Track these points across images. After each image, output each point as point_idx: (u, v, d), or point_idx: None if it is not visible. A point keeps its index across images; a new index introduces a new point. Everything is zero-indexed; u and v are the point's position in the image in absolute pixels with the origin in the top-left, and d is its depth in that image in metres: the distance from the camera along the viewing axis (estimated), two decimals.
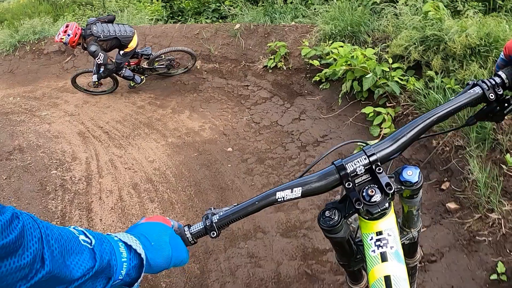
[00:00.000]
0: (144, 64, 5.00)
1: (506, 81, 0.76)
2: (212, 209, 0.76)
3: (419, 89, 2.99)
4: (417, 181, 0.70)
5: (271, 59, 4.59)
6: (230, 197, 2.92)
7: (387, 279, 0.62)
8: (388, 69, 3.27)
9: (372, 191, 0.67)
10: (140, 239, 0.67)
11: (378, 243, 0.66)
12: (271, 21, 5.20)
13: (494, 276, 1.86)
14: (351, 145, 2.96)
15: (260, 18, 5.36)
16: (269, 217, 2.60)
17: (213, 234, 0.73)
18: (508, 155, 2.21)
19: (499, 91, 0.75)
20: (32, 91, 5.61)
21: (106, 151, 3.77)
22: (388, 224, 0.67)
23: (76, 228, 0.58)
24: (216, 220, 0.73)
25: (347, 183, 0.69)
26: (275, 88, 4.40)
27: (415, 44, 3.22)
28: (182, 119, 4.23)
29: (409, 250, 0.99)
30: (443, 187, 2.49)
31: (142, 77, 5.02)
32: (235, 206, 0.74)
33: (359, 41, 3.93)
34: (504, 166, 2.21)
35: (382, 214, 0.67)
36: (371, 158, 0.68)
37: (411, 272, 1.07)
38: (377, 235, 0.67)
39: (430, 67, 3.09)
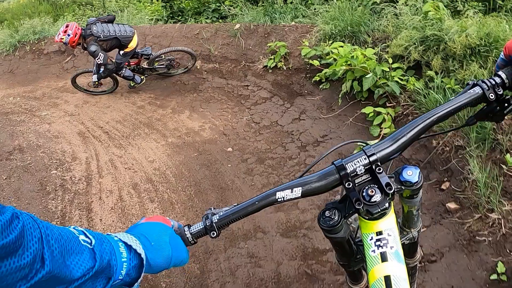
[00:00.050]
0: (144, 64, 5.00)
1: (506, 81, 0.76)
2: (212, 209, 0.76)
3: (419, 89, 2.99)
4: (417, 181, 0.70)
5: (271, 59, 4.59)
6: (230, 197, 2.92)
7: (387, 279, 0.62)
8: (388, 69, 3.27)
9: (372, 191, 0.67)
10: (140, 239, 0.67)
11: (378, 243, 0.66)
12: (271, 21, 5.20)
13: (494, 276, 1.86)
14: (351, 145, 2.96)
15: (260, 18, 5.36)
16: (269, 217, 2.60)
17: (213, 234, 0.73)
18: (508, 155, 2.21)
19: (499, 91, 0.75)
20: (32, 91, 5.61)
21: (106, 151, 3.77)
22: (388, 224, 0.67)
23: (76, 228, 0.58)
24: (216, 220, 0.73)
25: (347, 183, 0.69)
26: (275, 88, 4.40)
27: (415, 44, 3.22)
28: (182, 119, 4.23)
29: (409, 250, 0.99)
30: (443, 187, 2.49)
31: (142, 77, 5.02)
32: (235, 206, 0.74)
33: (359, 41, 3.93)
34: (504, 166, 2.21)
35: (382, 214, 0.67)
36: (371, 158, 0.68)
37: (411, 272, 1.07)
38: (377, 235, 0.67)
39: (430, 67, 3.09)
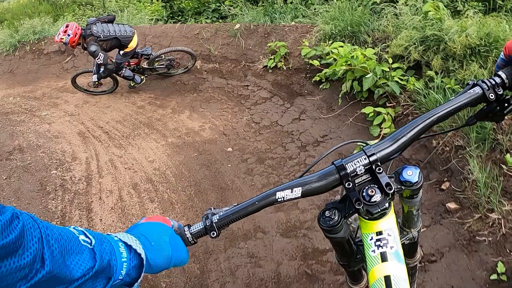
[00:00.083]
0: (144, 64, 5.00)
1: (506, 81, 0.76)
2: (212, 209, 0.76)
3: (419, 89, 2.99)
4: (417, 181, 0.70)
5: (271, 59, 4.59)
6: (230, 197, 2.92)
7: (387, 279, 0.62)
8: (388, 69, 3.27)
9: (372, 191, 0.67)
10: (140, 239, 0.67)
11: (378, 243, 0.66)
12: (271, 21, 5.20)
13: (494, 276, 1.86)
14: (351, 145, 2.96)
15: (260, 18, 5.36)
16: (269, 217, 2.60)
17: (213, 234, 0.73)
18: (508, 155, 2.21)
19: (499, 91, 0.75)
20: (32, 91, 5.61)
21: (106, 151, 3.77)
22: (388, 224, 0.67)
23: (76, 228, 0.58)
24: (216, 220, 0.73)
25: (347, 183, 0.69)
26: (275, 88, 4.40)
27: (415, 44, 3.22)
28: (182, 119, 4.23)
29: (409, 250, 0.99)
30: (443, 187, 2.49)
31: (142, 77, 5.02)
32: (235, 206, 0.74)
33: (359, 41, 3.93)
34: (504, 166, 2.21)
35: (382, 214, 0.67)
36: (371, 158, 0.68)
37: (411, 272, 1.07)
38: (377, 235, 0.67)
39: (430, 67, 3.09)
